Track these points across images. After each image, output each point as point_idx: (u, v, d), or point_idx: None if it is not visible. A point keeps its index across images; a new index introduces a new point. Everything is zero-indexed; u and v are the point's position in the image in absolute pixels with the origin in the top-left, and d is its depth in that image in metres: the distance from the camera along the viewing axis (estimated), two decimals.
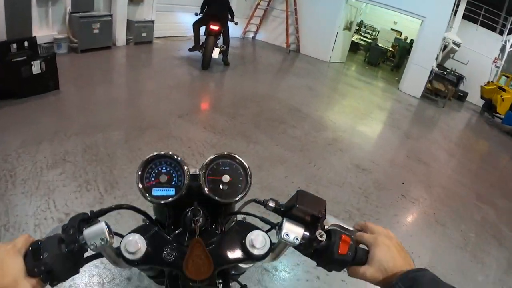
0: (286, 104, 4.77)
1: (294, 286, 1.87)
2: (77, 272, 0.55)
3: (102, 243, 0.53)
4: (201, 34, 5.57)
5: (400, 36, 13.64)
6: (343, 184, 3.05)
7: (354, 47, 12.18)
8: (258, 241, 0.60)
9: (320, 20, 8.62)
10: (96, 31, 5.02)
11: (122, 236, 0.58)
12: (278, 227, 0.60)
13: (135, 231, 0.60)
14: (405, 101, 7.21)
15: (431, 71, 7.63)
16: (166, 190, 0.67)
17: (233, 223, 0.78)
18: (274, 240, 0.62)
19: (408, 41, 11.82)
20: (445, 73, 7.98)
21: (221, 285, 0.76)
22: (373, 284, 0.54)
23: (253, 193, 0.67)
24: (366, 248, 0.58)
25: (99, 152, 2.65)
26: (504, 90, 6.93)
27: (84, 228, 0.54)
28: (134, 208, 0.68)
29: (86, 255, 0.56)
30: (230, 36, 5.76)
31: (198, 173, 0.69)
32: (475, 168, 4.45)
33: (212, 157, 0.70)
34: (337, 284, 1.93)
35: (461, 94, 8.93)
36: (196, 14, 5.45)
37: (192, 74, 5.33)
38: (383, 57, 12.22)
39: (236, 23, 5.79)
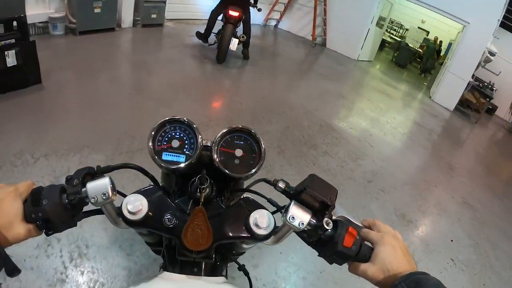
0: (316, 119, 4.01)
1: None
2: (74, 225, 0.54)
3: (104, 198, 0.51)
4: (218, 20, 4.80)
5: (427, 35, 12.58)
6: None
7: (381, 44, 11.23)
8: (262, 220, 0.58)
9: (351, 13, 7.72)
10: (97, 10, 4.30)
11: (125, 196, 0.57)
12: (285, 209, 0.57)
13: (139, 192, 0.59)
14: (440, 114, 6.45)
15: (468, 83, 6.83)
16: (176, 156, 0.65)
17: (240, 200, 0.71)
18: (279, 224, 0.60)
19: (438, 43, 10.80)
20: (481, 86, 7.16)
21: (218, 263, 0.71)
22: (372, 284, 0.52)
23: None
24: (371, 246, 0.56)
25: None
26: None
27: (88, 182, 0.52)
28: (142, 169, 0.68)
29: (86, 209, 0.56)
30: (251, 23, 4.99)
31: (211, 145, 0.68)
32: None
33: (228, 128, 0.68)
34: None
35: (490, 107, 8.02)
36: None
37: (204, 69, 4.61)
38: (411, 59, 11.27)
39: (259, 9, 5.04)
